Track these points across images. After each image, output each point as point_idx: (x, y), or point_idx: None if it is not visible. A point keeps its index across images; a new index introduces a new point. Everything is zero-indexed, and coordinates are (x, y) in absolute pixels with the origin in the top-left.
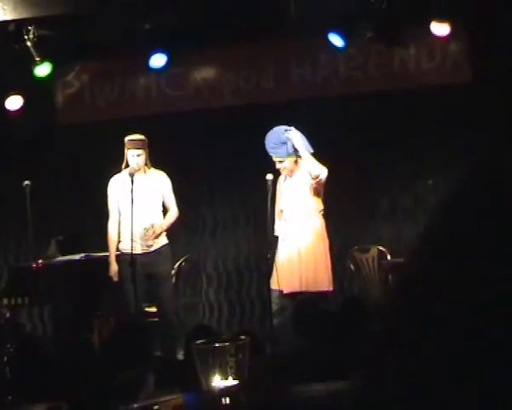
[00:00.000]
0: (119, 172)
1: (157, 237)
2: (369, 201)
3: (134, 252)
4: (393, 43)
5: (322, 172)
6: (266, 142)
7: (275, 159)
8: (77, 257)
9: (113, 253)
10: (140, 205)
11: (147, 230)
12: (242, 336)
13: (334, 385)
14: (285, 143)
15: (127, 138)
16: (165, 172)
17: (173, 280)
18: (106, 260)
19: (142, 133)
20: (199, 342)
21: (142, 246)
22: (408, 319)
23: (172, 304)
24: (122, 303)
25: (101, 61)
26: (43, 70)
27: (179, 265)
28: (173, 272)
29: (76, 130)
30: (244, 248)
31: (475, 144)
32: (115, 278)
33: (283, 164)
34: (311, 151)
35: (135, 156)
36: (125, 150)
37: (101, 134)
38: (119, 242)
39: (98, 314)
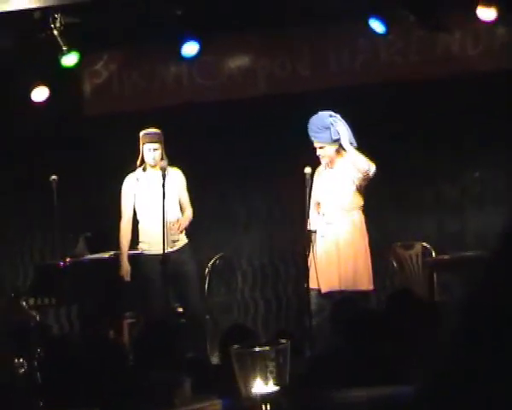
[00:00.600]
0: (133, 171)
1: (181, 232)
2: (412, 195)
3: (158, 252)
4: (437, 28)
5: (371, 167)
6: (309, 125)
7: (316, 145)
8: (106, 255)
9: (125, 253)
10: (160, 202)
11: (172, 224)
12: (283, 340)
13: (375, 391)
14: (328, 128)
15: (142, 132)
16: (197, 163)
17: (207, 279)
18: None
19: (172, 125)
20: (237, 346)
21: (168, 244)
22: (493, 320)
23: (200, 304)
24: (152, 303)
25: (130, 49)
26: (70, 60)
27: (213, 263)
28: (207, 270)
29: (104, 121)
30: (280, 244)
31: None
32: (127, 278)
33: (324, 150)
34: (355, 145)
35: (151, 151)
36: (141, 145)
37: (130, 125)
38: (136, 242)
39: (127, 315)
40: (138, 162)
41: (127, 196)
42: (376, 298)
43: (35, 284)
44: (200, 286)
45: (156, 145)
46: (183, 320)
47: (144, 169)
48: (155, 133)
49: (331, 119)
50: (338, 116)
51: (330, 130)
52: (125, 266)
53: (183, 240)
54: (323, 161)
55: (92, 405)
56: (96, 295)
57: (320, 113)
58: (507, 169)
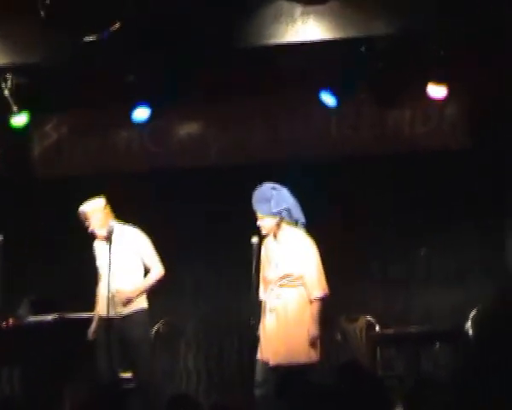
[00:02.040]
0: None
1: (127, 302)
2: (358, 268)
3: (107, 316)
4: (388, 104)
5: (320, 293)
6: (253, 196)
7: (258, 215)
8: (49, 318)
9: (95, 315)
10: (113, 268)
11: (113, 295)
12: None
13: None
14: (269, 200)
15: (94, 204)
16: (144, 230)
17: (151, 345)
18: (81, 321)
19: (122, 190)
20: None
21: (116, 310)
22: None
23: (147, 370)
24: (97, 369)
25: (82, 112)
26: (19, 120)
27: (158, 329)
28: (151, 335)
29: (53, 184)
30: (227, 313)
31: (473, 214)
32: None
33: (264, 222)
34: (303, 221)
35: (103, 219)
36: (93, 215)
37: (79, 189)
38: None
39: (71, 380)
40: None
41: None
42: (321, 370)
43: None
44: (149, 352)
45: (87, 222)
46: (131, 386)
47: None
48: (83, 212)
49: (273, 191)
50: (284, 190)
51: (270, 202)
52: (92, 328)
53: (133, 307)
54: (263, 232)
55: None
56: (39, 358)
57: (264, 185)
58: (453, 247)
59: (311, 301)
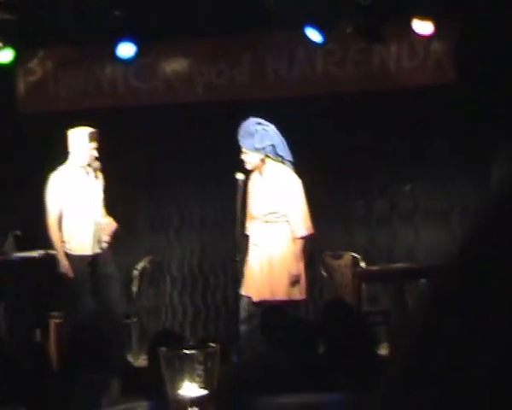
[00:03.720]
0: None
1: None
2: (342, 206)
3: (84, 253)
4: (374, 40)
5: (305, 232)
6: (238, 132)
7: (242, 150)
8: (35, 254)
9: (60, 250)
10: (91, 201)
11: (105, 225)
12: (212, 344)
13: (306, 397)
14: (252, 135)
15: (89, 130)
16: (131, 166)
17: (137, 282)
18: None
19: (107, 126)
20: (165, 348)
21: (97, 245)
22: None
23: (120, 308)
24: (79, 305)
25: (67, 48)
26: (4, 56)
27: (143, 266)
28: (136, 273)
29: (38, 119)
30: (212, 249)
31: (456, 148)
32: (70, 274)
33: (247, 157)
34: (289, 159)
35: (94, 149)
36: (80, 142)
37: (64, 125)
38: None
39: (55, 315)
40: (72, 159)
41: (55, 193)
42: (305, 307)
43: None
44: (121, 289)
45: (96, 145)
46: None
47: (70, 167)
48: (98, 133)
49: (258, 126)
50: (270, 126)
51: (254, 137)
52: (65, 263)
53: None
54: (248, 167)
55: (18, 404)
56: (24, 293)
57: (249, 120)
58: (438, 183)
59: (294, 240)
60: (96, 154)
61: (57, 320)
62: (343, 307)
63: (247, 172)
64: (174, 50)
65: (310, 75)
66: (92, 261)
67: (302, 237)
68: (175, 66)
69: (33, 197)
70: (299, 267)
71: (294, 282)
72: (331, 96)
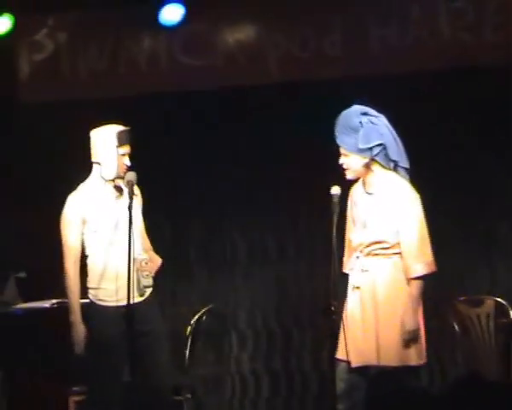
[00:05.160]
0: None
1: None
2: (480, 231)
3: (119, 303)
4: None
5: (424, 269)
6: (336, 124)
7: (341, 151)
8: (46, 304)
9: (76, 303)
10: (125, 229)
11: (145, 262)
12: None
13: None
14: (356, 130)
15: (120, 130)
16: (178, 180)
17: (189, 342)
18: (87, 310)
19: (138, 123)
20: None
21: (135, 291)
22: None
23: (169, 378)
24: (107, 376)
25: (86, 12)
26: (1, 25)
27: (198, 319)
28: (189, 329)
29: (46, 113)
30: (295, 293)
31: None
32: (80, 344)
33: (348, 160)
34: (406, 166)
35: (125, 157)
36: (108, 146)
37: (83, 121)
38: (86, 288)
39: (74, 390)
40: (97, 173)
41: (73, 220)
42: (429, 374)
43: None
44: (169, 352)
45: (129, 149)
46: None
47: (94, 183)
48: (129, 133)
49: (363, 118)
50: (381, 118)
51: (358, 133)
52: (78, 325)
53: (150, 285)
54: (347, 176)
55: None
56: (32, 360)
57: (353, 107)
58: None
59: (410, 280)
60: (128, 162)
61: (77, 398)
62: (485, 383)
63: (346, 184)
64: (237, 14)
65: (430, 44)
66: (129, 314)
67: (420, 277)
68: (239, 35)
69: (43, 225)
70: (416, 319)
71: (410, 340)
72: (460, 74)
